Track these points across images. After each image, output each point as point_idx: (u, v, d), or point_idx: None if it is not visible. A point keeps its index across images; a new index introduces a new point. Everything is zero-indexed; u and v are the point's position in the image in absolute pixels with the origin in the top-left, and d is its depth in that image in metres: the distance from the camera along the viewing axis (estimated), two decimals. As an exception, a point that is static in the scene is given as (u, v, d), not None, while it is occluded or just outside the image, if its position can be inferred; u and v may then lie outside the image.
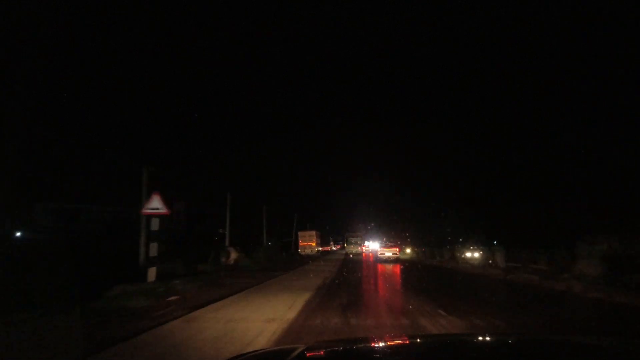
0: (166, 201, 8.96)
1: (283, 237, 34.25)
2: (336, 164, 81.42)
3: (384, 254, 26.85)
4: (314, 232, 36.69)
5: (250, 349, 3.63)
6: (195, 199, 28.15)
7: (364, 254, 41.80)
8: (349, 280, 13.03)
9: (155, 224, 8.73)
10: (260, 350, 2.18)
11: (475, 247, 20.61)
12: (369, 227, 52.98)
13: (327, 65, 64.39)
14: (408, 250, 34.42)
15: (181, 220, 27.29)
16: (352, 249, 42.26)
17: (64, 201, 22.19)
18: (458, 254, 22.87)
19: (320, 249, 40.29)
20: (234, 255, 16.92)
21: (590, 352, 1.67)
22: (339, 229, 65.24)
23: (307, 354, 1.66)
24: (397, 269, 20.16)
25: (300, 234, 36.26)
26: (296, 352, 1.60)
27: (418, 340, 2.27)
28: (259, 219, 31.37)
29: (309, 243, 35.43)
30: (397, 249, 27.60)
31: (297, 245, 36.27)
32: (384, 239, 39.34)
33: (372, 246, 48.41)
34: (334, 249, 60.14)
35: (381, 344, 2.07)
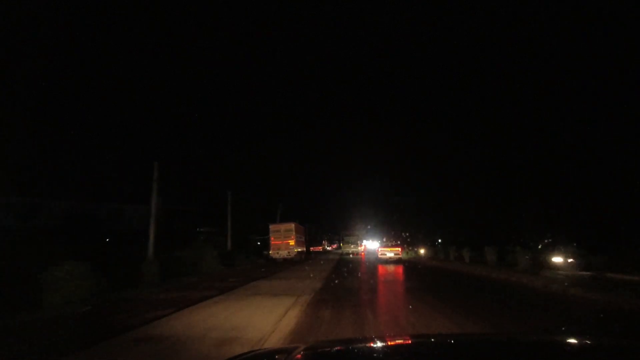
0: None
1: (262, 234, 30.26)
2: (336, 164, 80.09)
3: (385, 254, 24.85)
4: (292, 225, 25.78)
5: None
6: (188, 196, 25.59)
7: (361, 253, 39.63)
8: None
9: None
10: (260, 350, 2.10)
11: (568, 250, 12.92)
12: (368, 227, 51.08)
13: (327, 65, 63.28)
14: (422, 251, 29.42)
15: (159, 218, 24.57)
16: (348, 248, 40.69)
17: (23, 195, 19.46)
18: (546, 259, 13.86)
19: (303, 249, 29.74)
20: None
21: (591, 352, 1.63)
22: (337, 228, 63.59)
23: (307, 354, 1.64)
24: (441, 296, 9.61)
25: (271, 228, 25.75)
26: (296, 352, 1.59)
27: (418, 340, 2.19)
28: (249, 216, 28.77)
29: (284, 241, 25.20)
30: (400, 249, 25.58)
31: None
32: (384, 239, 37.39)
33: (371, 246, 46.45)
34: (328, 248, 56.99)
35: (381, 344, 1.99)
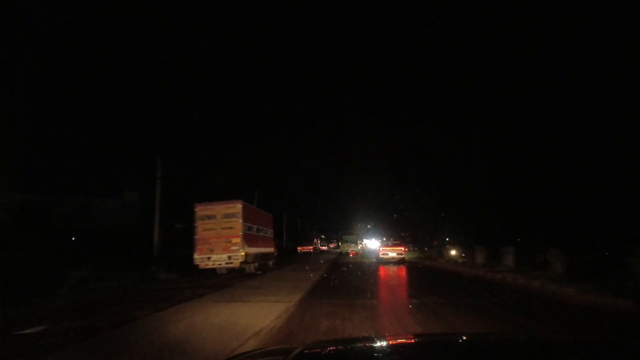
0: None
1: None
2: (336, 163, 78.94)
3: (387, 254, 22.81)
4: (237, 206, 14.06)
5: None
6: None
7: (358, 252, 37.57)
8: None
9: None
10: (259, 350, 1.97)
11: None
12: (368, 227, 49.38)
13: (327, 65, 62.36)
14: (453, 252, 22.25)
15: (136, 213, 22.21)
16: (347, 248, 39.18)
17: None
18: None
19: (270, 250, 18.21)
20: None
21: (591, 352, 1.54)
22: (336, 227, 62.26)
23: (306, 354, 1.59)
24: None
25: (198, 211, 13.93)
26: (295, 352, 1.53)
27: (419, 340, 2.15)
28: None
29: (222, 236, 13.68)
30: (403, 248, 23.49)
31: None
32: (384, 239, 35.62)
33: (371, 245, 44.39)
34: (323, 248, 53.09)
35: (381, 344, 1.94)
